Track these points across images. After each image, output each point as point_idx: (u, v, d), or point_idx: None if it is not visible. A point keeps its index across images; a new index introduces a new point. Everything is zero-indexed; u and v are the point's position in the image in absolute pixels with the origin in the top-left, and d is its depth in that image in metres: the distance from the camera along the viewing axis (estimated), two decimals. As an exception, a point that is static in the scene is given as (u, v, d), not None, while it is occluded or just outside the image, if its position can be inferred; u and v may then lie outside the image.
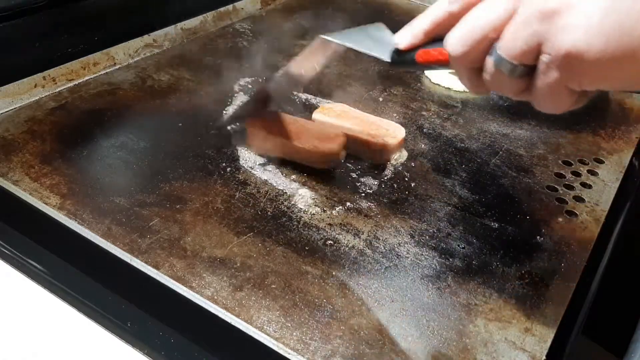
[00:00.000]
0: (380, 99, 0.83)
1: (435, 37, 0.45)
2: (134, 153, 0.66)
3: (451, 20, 0.42)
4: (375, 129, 0.69)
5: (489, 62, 0.39)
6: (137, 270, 0.52)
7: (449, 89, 0.87)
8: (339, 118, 0.71)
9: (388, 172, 0.68)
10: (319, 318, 0.49)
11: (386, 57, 0.48)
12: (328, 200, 0.62)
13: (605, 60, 0.33)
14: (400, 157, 0.69)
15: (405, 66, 0.50)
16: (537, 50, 0.36)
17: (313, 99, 0.80)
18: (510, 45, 0.37)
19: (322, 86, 0.84)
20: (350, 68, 0.90)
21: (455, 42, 0.41)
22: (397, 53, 0.48)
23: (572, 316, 0.53)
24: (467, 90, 0.85)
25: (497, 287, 0.54)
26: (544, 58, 0.36)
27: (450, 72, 0.88)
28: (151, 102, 0.76)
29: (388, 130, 0.69)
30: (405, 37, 0.46)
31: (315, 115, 0.73)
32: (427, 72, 0.89)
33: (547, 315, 0.51)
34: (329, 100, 0.79)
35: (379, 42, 0.49)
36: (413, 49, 0.46)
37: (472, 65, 0.41)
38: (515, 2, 0.37)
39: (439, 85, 0.87)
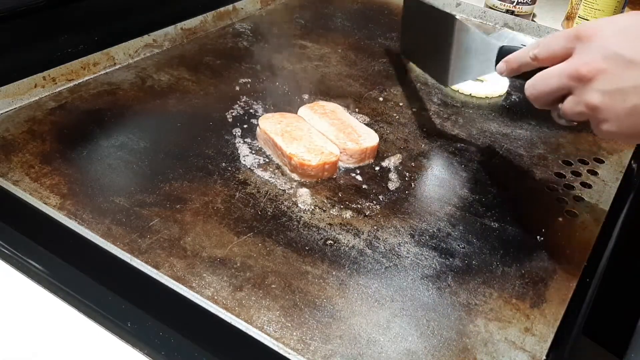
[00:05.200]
0: (380, 99, 0.83)
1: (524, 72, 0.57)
2: (134, 153, 0.66)
3: (535, 63, 0.54)
4: (348, 133, 0.69)
5: (554, 111, 0.54)
6: (137, 270, 0.52)
7: (470, 95, 0.86)
8: (322, 116, 0.71)
9: (388, 172, 0.68)
10: (319, 318, 0.49)
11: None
12: (328, 200, 0.62)
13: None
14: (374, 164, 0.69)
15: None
16: (584, 118, 0.50)
17: (312, 98, 0.80)
18: (567, 112, 0.51)
19: (322, 86, 0.84)
20: (350, 68, 0.90)
21: (529, 89, 0.54)
22: None
23: (572, 316, 0.53)
24: (489, 95, 0.86)
25: (497, 287, 0.54)
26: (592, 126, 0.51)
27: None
28: (151, 102, 0.76)
29: (360, 137, 0.69)
30: (502, 67, 0.60)
31: (302, 110, 0.73)
32: None
33: (547, 315, 0.51)
34: (330, 100, 0.79)
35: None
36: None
37: (541, 106, 0.55)
38: (576, 81, 0.49)
39: (458, 91, 0.86)
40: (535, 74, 0.54)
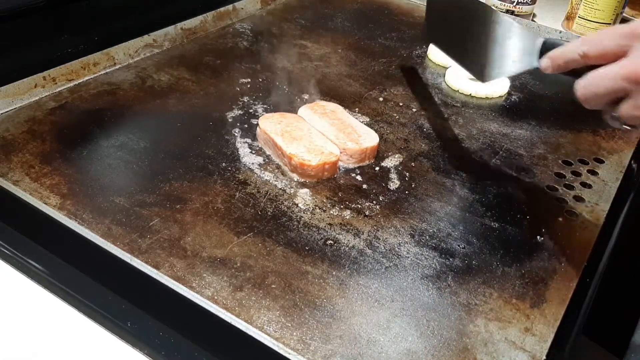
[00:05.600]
0: (380, 99, 0.83)
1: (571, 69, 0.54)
2: (134, 153, 0.66)
3: (584, 61, 0.51)
4: (348, 132, 0.69)
5: (606, 112, 0.51)
6: (137, 270, 0.52)
7: (470, 95, 0.86)
8: (322, 116, 0.71)
9: (388, 172, 0.68)
10: (319, 318, 0.49)
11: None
12: (328, 200, 0.62)
13: None
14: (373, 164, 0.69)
15: None
16: None
17: (312, 98, 0.80)
18: (625, 117, 0.49)
19: (322, 86, 0.84)
20: (350, 68, 0.90)
21: (580, 90, 0.50)
22: None
23: (572, 316, 0.53)
24: (489, 95, 0.85)
25: (497, 287, 0.54)
26: None
27: (470, 78, 0.87)
28: (151, 102, 0.76)
29: (360, 137, 0.69)
30: (547, 64, 0.56)
31: (302, 110, 0.73)
32: (447, 78, 0.88)
33: (547, 315, 0.51)
34: (330, 100, 0.79)
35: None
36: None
37: (592, 107, 0.52)
38: (634, 84, 0.46)
39: (458, 91, 0.86)
40: (581, 70, 0.51)
